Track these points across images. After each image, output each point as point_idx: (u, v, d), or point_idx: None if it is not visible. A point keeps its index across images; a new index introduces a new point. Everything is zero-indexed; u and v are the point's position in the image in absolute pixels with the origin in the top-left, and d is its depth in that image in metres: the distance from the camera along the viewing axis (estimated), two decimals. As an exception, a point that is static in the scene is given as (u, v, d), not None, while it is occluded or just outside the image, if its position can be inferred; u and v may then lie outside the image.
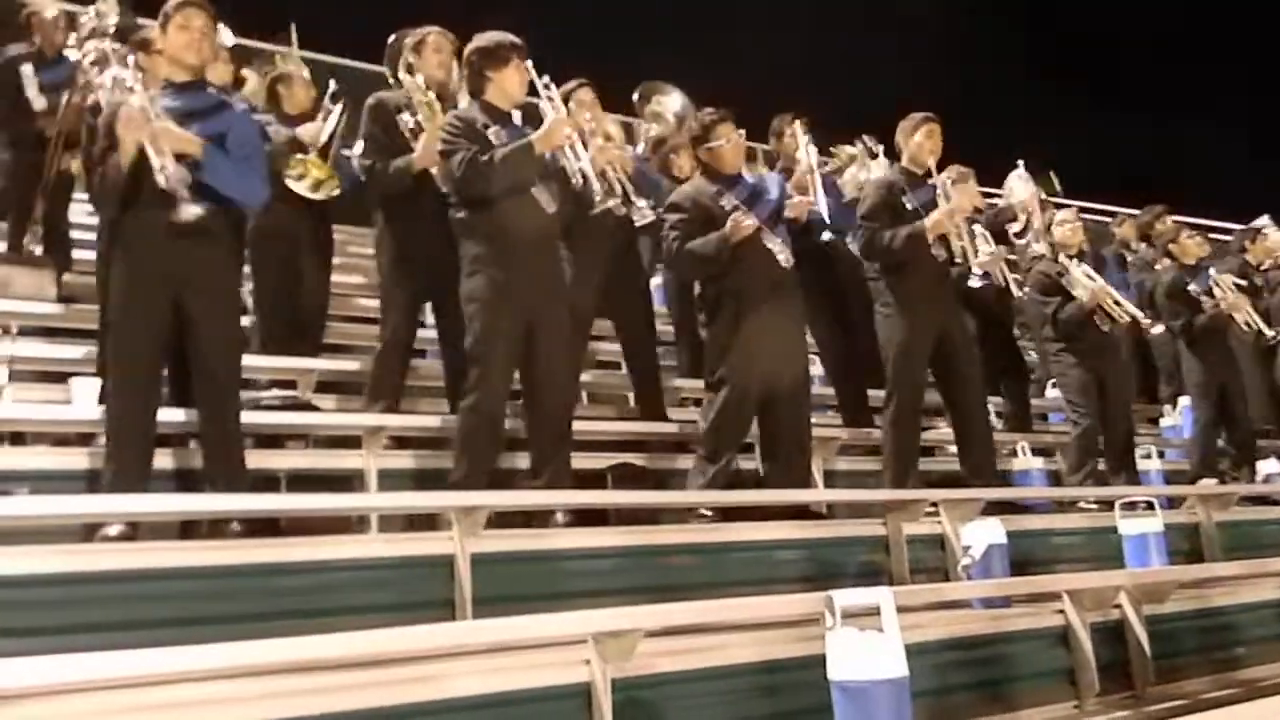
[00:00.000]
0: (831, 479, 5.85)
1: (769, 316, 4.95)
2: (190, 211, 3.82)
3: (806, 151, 5.87)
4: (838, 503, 5.41)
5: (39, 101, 6.18)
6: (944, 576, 4.87)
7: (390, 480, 4.61)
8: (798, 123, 6.19)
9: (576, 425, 5.45)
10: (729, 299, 5.01)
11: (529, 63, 4.57)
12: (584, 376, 5.88)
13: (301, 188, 5.44)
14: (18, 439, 4.52)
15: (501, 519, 4.09)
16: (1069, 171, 6.97)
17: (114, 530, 3.71)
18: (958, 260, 5.64)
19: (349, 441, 4.76)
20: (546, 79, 4.60)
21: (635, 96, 7.13)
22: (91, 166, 4.07)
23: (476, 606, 3.71)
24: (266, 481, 4.20)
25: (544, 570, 4.02)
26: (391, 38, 5.65)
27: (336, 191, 5.53)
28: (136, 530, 3.75)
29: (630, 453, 5.37)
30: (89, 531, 3.73)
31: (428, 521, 4.06)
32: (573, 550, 4.14)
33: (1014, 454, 6.62)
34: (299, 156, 5.46)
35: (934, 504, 5.03)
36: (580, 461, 4.79)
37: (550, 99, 4.55)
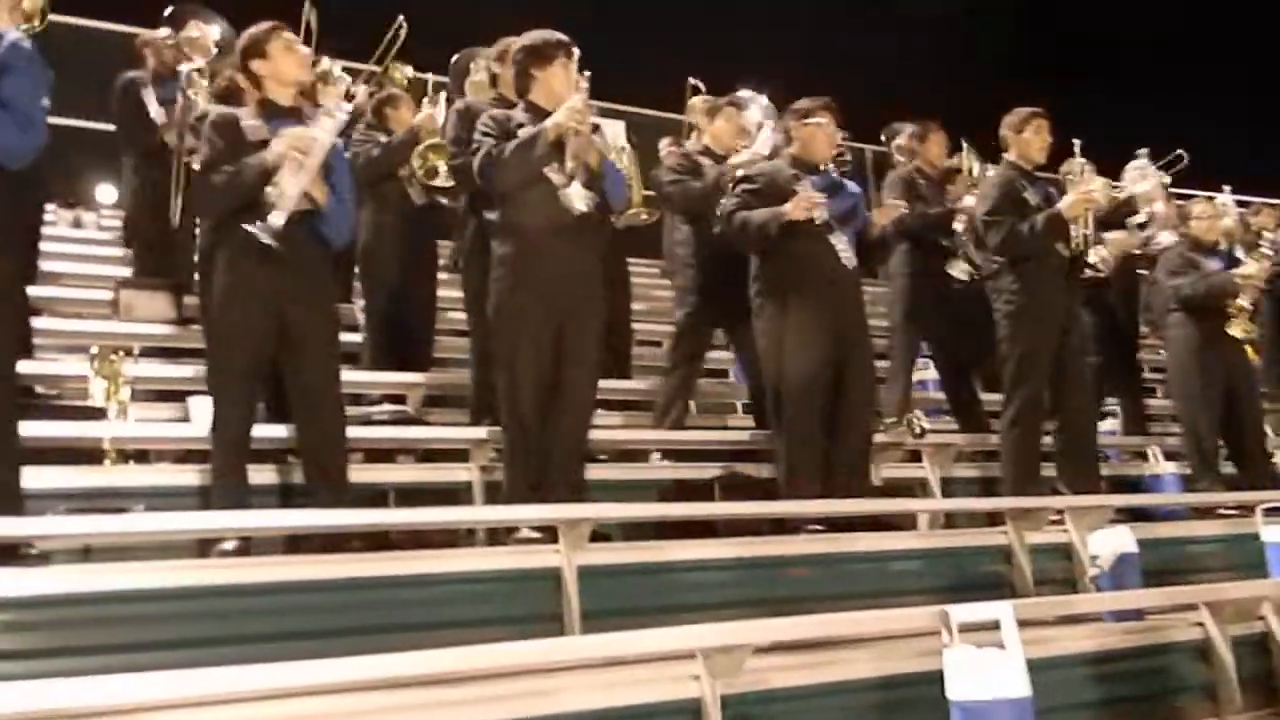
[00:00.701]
0: (949, 487, 5.68)
1: (823, 312, 4.80)
2: (268, 237, 3.86)
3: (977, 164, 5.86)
4: (956, 511, 5.25)
5: (159, 116, 6.39)
6: (1071, 588, 4.68)
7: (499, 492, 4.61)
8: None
9: (684, 435, 5.43)
10: (781, 290, 4.87)
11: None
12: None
13: (439, 182, 5.47)
14: (141, 457, 4.65)
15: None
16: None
17: (229, 545, 3.78)
18: (1078, 251, 5.41)
19: (457, 455, 4.77)
20: (585, 75, 4.39)
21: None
22: (206, 169, 4.11)
23: (584, 621, 3.68)
24: (376, 496, 4.21)
25: (653, 583, 3.96)
26: (455, 56, 5.72)
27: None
28: (249, 545, 3.80)
29: (738, 461, 5.27)
30: (205, 546, 3.80)
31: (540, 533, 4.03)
32: (682, 562, 4.07)
33: (1144, 458, 6.33)
34: (420, 149, 5.51)
35: (1059, 511, 4.83)
36: (687, 472, 4.71)
37: (578, 90, 4.31)
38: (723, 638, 3.03)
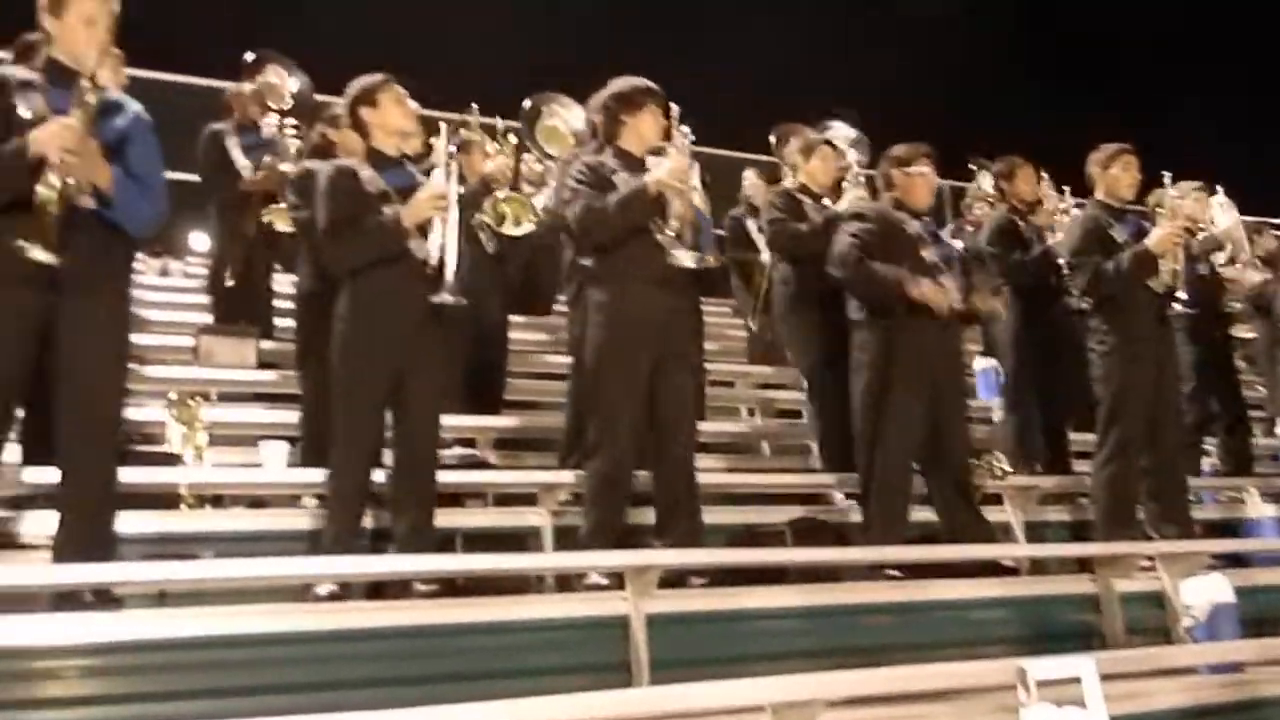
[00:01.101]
0: (1035, 531, 5.49)
1: (926, 356, 4.74)
2: (449, 298, 4.01)
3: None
4: (1044, 558, 5.07)
5: (246, 167, 6.55)
6: (1164, 638, 4.48)
7: (571, 537, 4.57)
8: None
9: (760, 479, 5.35)
10: (888, 333, 4.80)
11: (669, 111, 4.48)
12: (768, 426, 5.76)
13: (508, 229, 5.52)
14: (217, 501, 4.70)
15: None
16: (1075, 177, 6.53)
17: (324, 590, 3.81)
18: (1169, 287, 5.24)
19: (526, 499, 4.75)
20: (686, 128, 4.44)
21: (772, 138, 7.04)
22: (334, 226, 4.20)
23: (654, 670, 3.61)
24: (444, 541, 4.20)
25: (724, 632, 3.88)
26: (526, 102, 5.78)
27: (534, 222, 5.58)
28: (347, 590, 3.83)
29: (811, 505, 5.18)
30: (303, 591, 3.84)
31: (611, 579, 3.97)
32: (754, 610, 3.98)
33: (1241, 501, 6.06)
34: (493, 198, 5.56)
35: (1151, 558, 4.64)
36: (759, 515, 4.63)
37: (676, 146, 4.35)
38: (793, 692, 2.93)
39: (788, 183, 5.93)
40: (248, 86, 7.03)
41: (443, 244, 4.05)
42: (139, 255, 7.75)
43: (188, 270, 8.52)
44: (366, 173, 4.23)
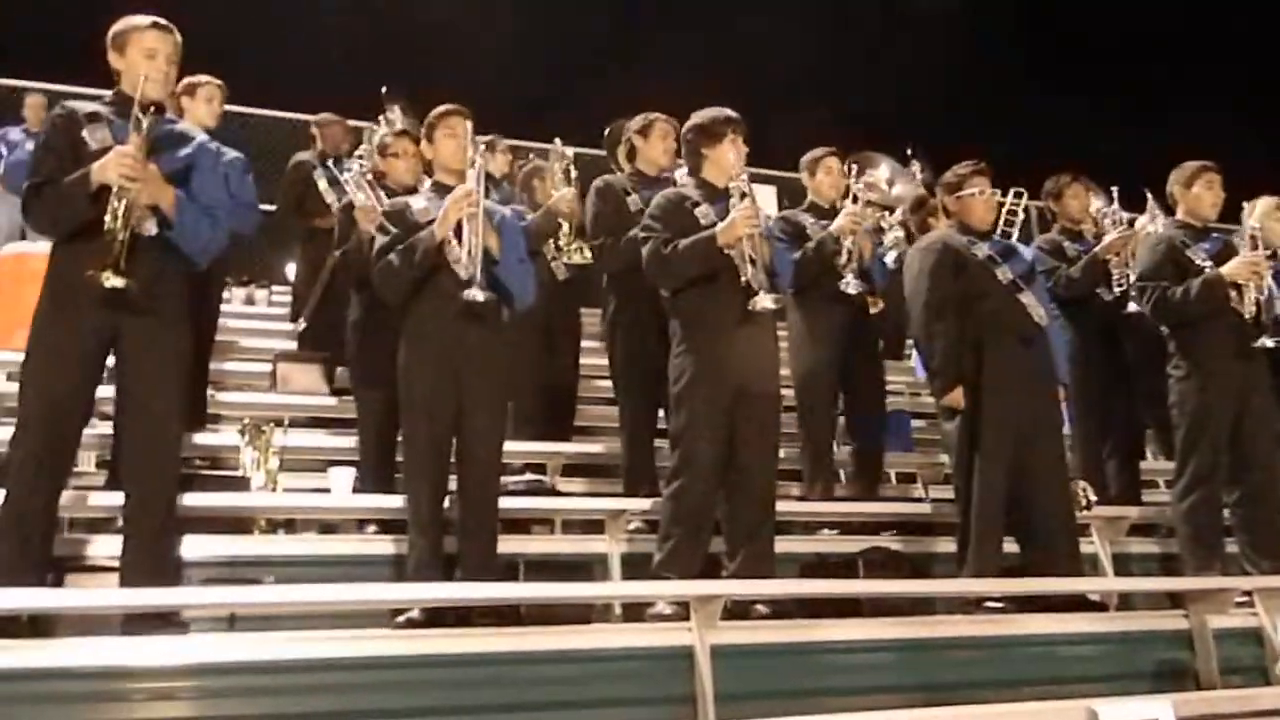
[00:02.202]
0: (1123, 564, 5.28)
1: (1014, 381, 4.59)
2: (479, 294, 3.95)
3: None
4: (1132, 592, 4.86)
5: (330, 198, 6.66)
6: (1262, 678, 4.26)
7: (637, 565, 4.51)
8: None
9: (833, 507, 5.23)
10: (976, 352, 4.67)
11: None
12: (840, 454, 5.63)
13: (579, 259, 5.55)
14: (290, 526, 4.75)
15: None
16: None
17: (409, 616, 3.80)
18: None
19: (597, 526, 4.70)
20: (745, 175, 4.39)
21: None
22: (380, 256, 4.23)
23: (719, 704, 3.52)
24: (508, 568, 4.17)
25: (794, 665, 3.77)
26: (608, 129, 5.76)
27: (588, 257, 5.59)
28: (435, 617, 3.79)
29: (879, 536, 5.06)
30: (386, 616, 3.83)
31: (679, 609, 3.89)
32: (826, 644, 3.87)
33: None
34: (557, 241, 5.58)
35: (1247, 593, 4.42)
36: (828, 545, 4.52)
37: (743, 192, 4.31)
38: (855, 730, 2.82)
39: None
40: (330, 116, 7.21)
41: (473, 243, 4.02)
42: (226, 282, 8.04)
43: (273, 298, 8.69)
44: (420, 204, 4.27)
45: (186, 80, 5.25)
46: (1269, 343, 4.94)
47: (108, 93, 3.77)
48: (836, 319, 5.32)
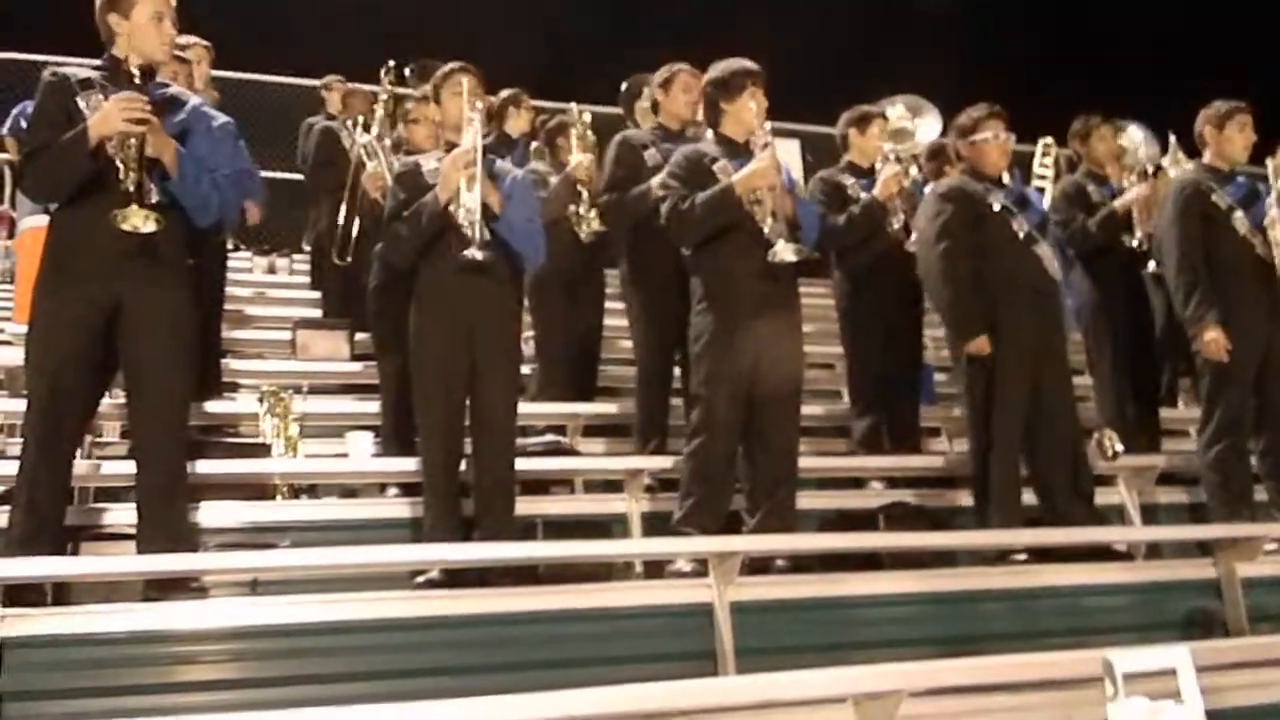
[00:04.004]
0: (1152, 514, 5.22)
1: (1028, 333, 4.53)
2: (478, 254, 3.92)
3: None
4: (1160, 541, 4.81)
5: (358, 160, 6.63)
6: (1293, 625, 4.20)
7: (657, 523, 4.51)
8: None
9: (847, 462, 5.20)
10: (991, 306, 4.60)
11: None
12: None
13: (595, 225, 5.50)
14: (311, 491, 4.77)
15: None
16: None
17: (429, 576, 3.82)
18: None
19: (616, 485, 4.69)
20: (768, 125, 4.35)
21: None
22: (390, 220, 4.23)
23: (739, 659, 3.52)
24: (526, 528, 4.18)
25: (812, 619, 3.77)
26: (625, 83, 5.70)
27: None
28: (452, 577, 3.81)
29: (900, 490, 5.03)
30: (404, 577, 3.86)
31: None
32: (843, 598, 3.86)
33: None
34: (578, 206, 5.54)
35: (1276, 540, 4.40)
36: (848, 500, 4.49)
37: (765, 142, 4.27)
38: (874, 683, 2.82)
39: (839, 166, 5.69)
40: (354, 86, 7.19)
41: (472, 202, 3.98)
42: (238, 252, 8.06)
43: (294, 267, 8.71)
44: (431, 165, 4.22)
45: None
46: None
47: (97, 60, 3.71)
48: (885, 281, 5.30)
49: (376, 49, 6.93)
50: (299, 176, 7.96)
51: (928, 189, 5.22)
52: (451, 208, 4.03)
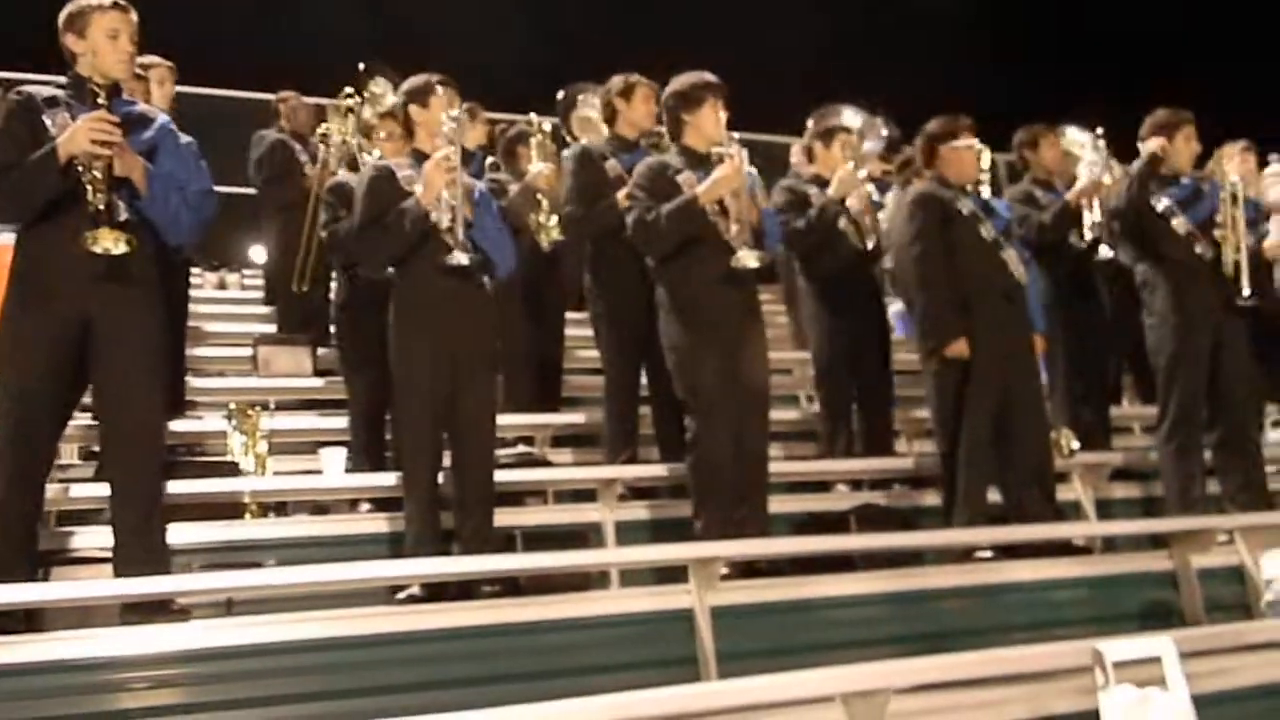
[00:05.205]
0: (1106, 509, 5.37)
1: (998, 335, 4.65)
2: (463, 257, 3.95)
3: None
4: (1117, 536, 4.95)
5: (311, 173, 6.60)
6: (1245, 614, 4.35)
7: (629, 533, 4.55)
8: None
9: (815, 465, 5.28)
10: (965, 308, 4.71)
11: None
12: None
13: (554, 235, 5.53)
14: (280, 509, 4.74)
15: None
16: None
17: (410, 592, 3.83)
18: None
19: (588, 495, 4.73)
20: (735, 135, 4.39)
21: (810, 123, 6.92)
22: (365, 225, 4.21)
23: (720, 663, 3.57)
24: (506, 540, 4.19)
25: (793, 622, 3.83)
26: (560, 93, 5.73)
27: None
28: (436, 590, 3.82)
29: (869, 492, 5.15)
30: (387, 594, 3.87)
31: (675, 572, 3.91)
32: (823, 599, 3.93)
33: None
34: (538, 214, 5.57)
35: (1228, 532, 4.51)
36: (819, 503, 4.57)
37: (729, 154, 4.30)
38: (862, 681, 2.87)
39: (803, 171, 5.80)
40: (306, 100, 7.15)
41: (453, 206, 4.01)
42: (194, 269, 7.95)
43: (245, 282, 8.62)
44: (405, 172, 4.22)
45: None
46: (1245, 293, 5.03)
47: (61, 79, 3.68)
48: (850, 288, 5.39)
49: (315, 62, 6.88)
50: (247, 191, 7.88)
51: (889, 195, 5.33)
52: (433, 215, 4.03)
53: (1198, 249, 5.09)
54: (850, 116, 6.51)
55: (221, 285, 8.55)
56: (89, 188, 3.35)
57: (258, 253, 9.37)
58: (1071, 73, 13.45)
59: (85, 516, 4.17)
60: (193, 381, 5.68)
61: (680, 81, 4.51)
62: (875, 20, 13.54)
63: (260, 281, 8.05)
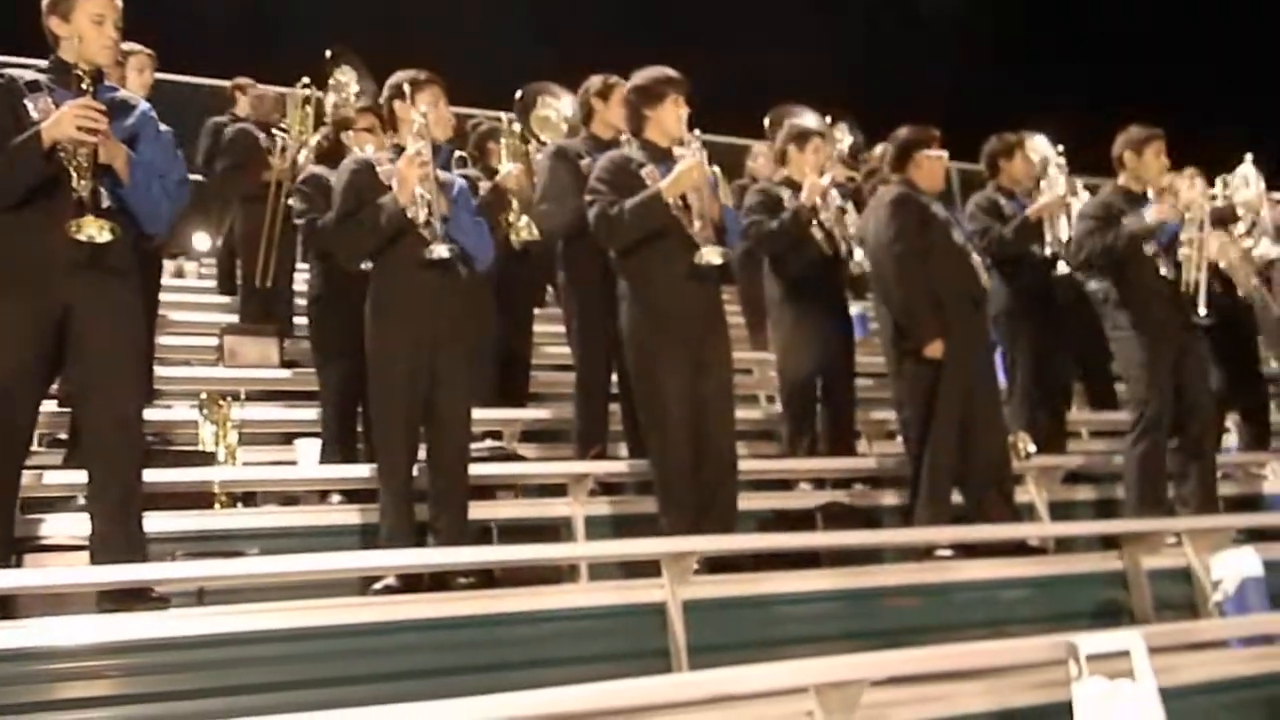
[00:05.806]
0: (1060, 511, 5.52)
1: (965, 339, 4.77)
2: (444, 250, 3.97)
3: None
4: (1071, 536, 5.09)
5: (276, 163, 6.56)
6: (1193, 613, 4.50)
7: (598, 527, 4.61)
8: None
9: (781, 464, 5.37)
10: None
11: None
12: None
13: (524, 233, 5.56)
14: (250, 499, 4.73)
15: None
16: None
17: (386, 583, 3.84)
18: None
19: (557, 490, 4.78)
20: (697, 132, 4.42)
21: (768, 122, 7.00)
22: (344, 217, 4.21)
23: (692, 655, 3.63)
24: (480, 533, 4.23)
25: (760, 616, 3.91)
26: (519, 93, 5.74)
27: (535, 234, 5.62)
28: (411, 582, 3.83)
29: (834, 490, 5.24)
30: (364, 584, 3.88)
31: (643, 567, 3.96)
32: (790, 594, 4.00)
33: (1263, 476, 6.08)
34: (508, 214, 5.59)
35: (1177, 534, 4.66)
36: (783, 501, 4.65)
37: (689, 149, 4.33)
38: (837, 673, 2.96)
39: (773, 176, 5.87)
40: (268, 89, 7.11)
41: (430, 201, 4.03)
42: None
43: (202, 270, 8.55)
44: (386, 166, 4.22)
45: None
46: (1203, 313, 5.19)
47: (43, 62, 3.64)
48: (816, 289, 5.47)
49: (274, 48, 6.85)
50: (198, 177, 7.80)
51: (873, 201, 5.41)
52: (410, 211, 4.05)
53: (1162, 270, 5.24)
54: (810, 119, 6.63)
55: (179, 274, 8.47)
56: (74, 174, 3.33)
57: (200, 239, 9.27)
58: (1035, 78, 13.69)
59: (53, 504, 4.15)
60: (158, 370, 5.64)
61: (642, 76, 4.51)
62: (876, 27, 13.66)
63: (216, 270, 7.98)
